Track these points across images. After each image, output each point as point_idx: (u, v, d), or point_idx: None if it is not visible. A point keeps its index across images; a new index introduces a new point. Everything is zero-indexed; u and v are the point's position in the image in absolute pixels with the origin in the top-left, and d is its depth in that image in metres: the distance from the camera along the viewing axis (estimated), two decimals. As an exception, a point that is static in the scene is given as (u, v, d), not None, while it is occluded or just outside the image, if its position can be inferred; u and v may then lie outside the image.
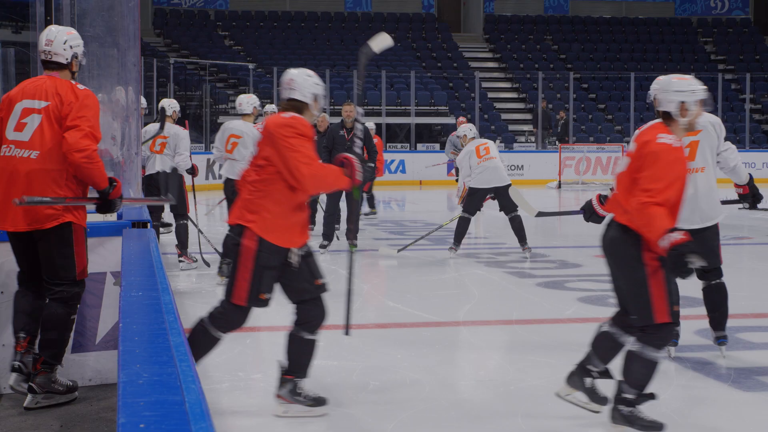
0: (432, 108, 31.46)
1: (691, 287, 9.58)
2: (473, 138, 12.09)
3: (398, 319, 8.46)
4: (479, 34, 39.73)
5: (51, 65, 5.63)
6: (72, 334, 5.62)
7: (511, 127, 32.80)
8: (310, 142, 5.22)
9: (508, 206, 11.59)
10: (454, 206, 14.41)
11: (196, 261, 10.77)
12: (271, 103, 21.03)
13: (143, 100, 12.10)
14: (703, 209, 6.34)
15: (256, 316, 8.41)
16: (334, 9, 39.15)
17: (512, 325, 8.10)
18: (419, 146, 29.82)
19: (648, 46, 38.94)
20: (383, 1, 39.74)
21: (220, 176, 13.18)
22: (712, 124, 6.39)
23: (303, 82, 5.42)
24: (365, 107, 30.30)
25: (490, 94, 34.58)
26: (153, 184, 10.50)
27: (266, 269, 5.22)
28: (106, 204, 5.48)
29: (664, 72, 29.11)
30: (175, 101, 11.24)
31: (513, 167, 28.21)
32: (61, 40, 5.62)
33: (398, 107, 30.57)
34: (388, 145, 28.55)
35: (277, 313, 8.55)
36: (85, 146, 5.25)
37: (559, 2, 41.29)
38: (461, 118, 20.55)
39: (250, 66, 30.15)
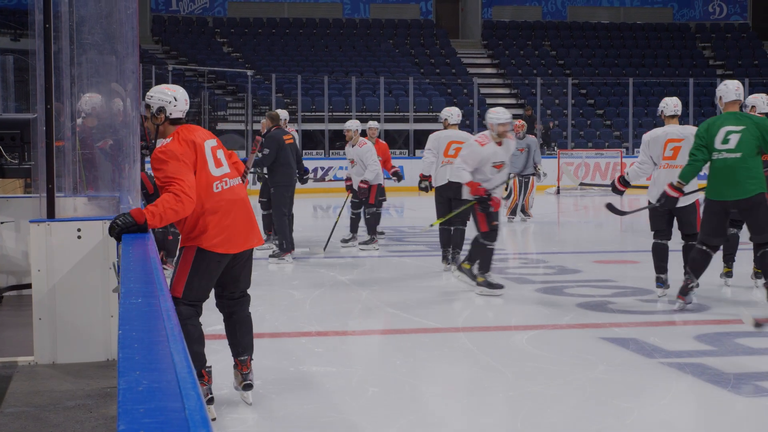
0: (430, 114, 31.45)
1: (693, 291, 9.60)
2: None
3: (397, 326, 8.46)
4: (477, 40, 39.75)
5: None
6: None
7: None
8: None
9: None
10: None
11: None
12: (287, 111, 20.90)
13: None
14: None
15: (256, 323, 8.43)
16: (332, 15, 39.16)
17: (511, 331, 8.10)
18: (418, 152, 29.80)
19: (646, 51, 38.97)
20: (381, 7, 39.77)
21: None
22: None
23: None
24: (364, 113, 30.36)
25: (489, 100, 34.57)
26: None
27: None
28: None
29: (662, 77, 29.09)
30: None
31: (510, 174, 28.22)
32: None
33: (396, 113, 30.59)
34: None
35: (276, 319, 8.57)
36: None
37: (557, 8, 41.32)
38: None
39: (249, 73, 30.17)
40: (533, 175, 16.86)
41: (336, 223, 13.53)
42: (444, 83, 34.47)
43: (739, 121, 8.51)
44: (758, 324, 7.25)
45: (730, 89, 8.74)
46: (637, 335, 7.63)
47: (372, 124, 14.44)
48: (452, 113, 11.66)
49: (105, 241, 7.08)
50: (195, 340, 5.61)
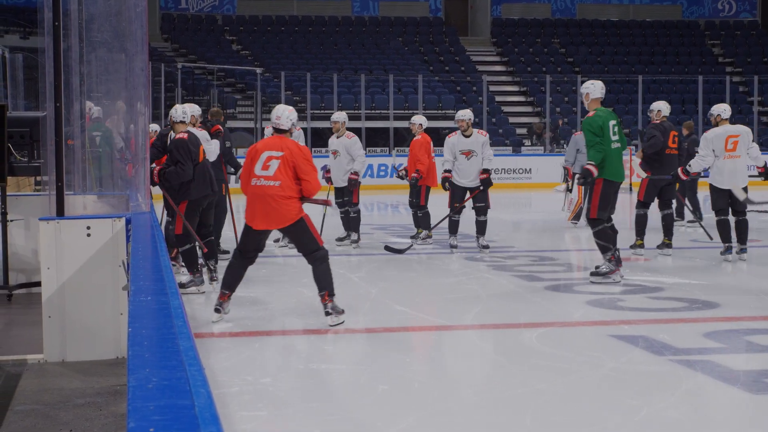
0: (440, 111, 31.46)
1: (696, 291, 9.61)
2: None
3: (406, 323, 8.46)
4: (487, 38, 39.73)
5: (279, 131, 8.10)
6: None
7: (519, 131, 32.78)
8: None
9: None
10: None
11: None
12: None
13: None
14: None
15: (266, 320, 8.44)
16: (342, 13, 39.16)
17: (520, 328, 8.09)
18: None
19: (656, 48, 38.90)
20: (390, 5, 39.75)
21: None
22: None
23: None
24: (373, 111, 30.35)
25: (498, 98, 34.56)
26: None
27: None
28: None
29: (671, 75, 29.08)
30: (195, 106, 11.23)
31: (521, 171, 28.23)
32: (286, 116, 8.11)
33: (406, 111, 30.56)
34: (396, 149, 28.54)
35: (285, 317, 8.58)
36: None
37: (566, 5, 41.28)
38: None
39: (258, 70, 30.18)
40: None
41: (324, 215, 13.49)
42: (453, 81, 34.46)
43: None
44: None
45: (596, 87, 10.31)
46: (647, 333, 7.62)
47: (416, 119, 14.30)
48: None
49: (114, 238, 7.10)
50: (233, 270, 8.16)
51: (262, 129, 27.44)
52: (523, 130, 32.98)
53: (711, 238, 13.30)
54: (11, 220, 9.39)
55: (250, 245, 8.09)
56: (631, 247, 12.16)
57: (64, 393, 6.13)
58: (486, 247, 12.80)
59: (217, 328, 7.95)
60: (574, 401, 5.80)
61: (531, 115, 34.42)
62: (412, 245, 12.51)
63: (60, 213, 7.22)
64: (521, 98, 35.59)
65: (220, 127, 12.02)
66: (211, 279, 9.87)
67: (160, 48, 34.20)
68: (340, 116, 13.15)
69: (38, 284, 7.61)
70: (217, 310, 8.11)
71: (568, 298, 9.40)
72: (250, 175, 7.91)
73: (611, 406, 5.70)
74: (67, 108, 7.47)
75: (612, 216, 10.27)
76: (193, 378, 2.44)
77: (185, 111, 9.90)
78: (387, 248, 12.15)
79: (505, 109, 34.19)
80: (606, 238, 10.10)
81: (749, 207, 11.28)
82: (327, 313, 7.96)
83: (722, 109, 11.88)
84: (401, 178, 14.42)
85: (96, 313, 7.09)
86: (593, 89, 10.29)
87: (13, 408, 5.76)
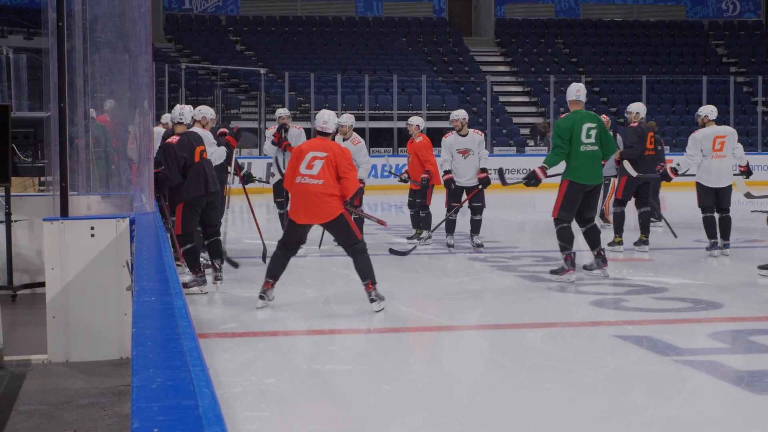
0: (444, 112, 31.42)
1: (700, 291, 9.60)
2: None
3: (410, 323, 8.46)
4: (490, 38, 39.72)
5: (322, 134, 8.83)
6: None
7: (523, 131, 32.78)
8: None
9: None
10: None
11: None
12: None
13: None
14: None
15: (269, 320, 8.45)
16: (345, 13, 39.16)
17: (523, 328, 8.09)
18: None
19: (659, 49, 38.88)
20: (394, 5, 39.75)
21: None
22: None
23: None
24: (377, 111, 30.34)
25: (502, 98, 34.56)
26: None
27: None
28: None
29: (675, 75, 29.01)
30: (210, 109, 11.33)
31: (524, 171, 28.19)
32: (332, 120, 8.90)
33: (410, 111, 30.54)
34: (399, 149, 28.54)
35: (289, 317, 8.58)
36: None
37: (570, 5, 41.27)
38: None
39: (262, 71, 30.20)
40: (615, 177, 15.20)
41: None
42: (457, 81, 34.45)
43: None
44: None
45: (571, 90, 10.56)
46: (651, 333, 7.62)
47: (414, 120, 14.23)
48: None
49: (118, 239, 7.10)
50: (277, 261, 8.91)
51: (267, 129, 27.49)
52: (527, 130, 32.98)
53: (676, 236, 13.69)
54: (15, 221, 9.39)
55: (293, 238, 8.85)
56: (609, 244, 12.45)
57: (68, 393, 6.13)
58: (480, 245, 13.00)
59: (222, 329, 7.95)
60: (578, 402, 5.80)
61: (535, 116, 34.41)
62: (416, 246, 12.52)
63: (64, 213, 7.22)
64: (525, 98, 35.59)
65: (226, 130, 12.07)
66: (216, 278, 9.87)
67: (164, 48, 34.22)
68: (348, 120, 13.09)
69: (42, 284, 7.61)
70: (261, 297, 8.80)
71: (572, 298, 9.40)
72: (294, 174, 8.62)
73: (615, 407, 5.70)
74: (71, 108, 7.47)
75: (593, 217, 10.61)
76: (197, 378, 2.45)
77: (183, 112, 9.92)
78: (391, 251, 12.16)
79: (509, 109, 34.18)
80: (565, 238, 10.31)
81: (753, 205, 11.51)
82: (371, 300, 8.60)
83: (709, 111, 12.34)
84: (404, 181, 14.39)
85: (100, 314, 7.09)
86: (568, 92, 10.55)
87: (18, 408, 5.76)
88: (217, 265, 9.96)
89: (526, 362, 6.76)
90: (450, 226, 13.16)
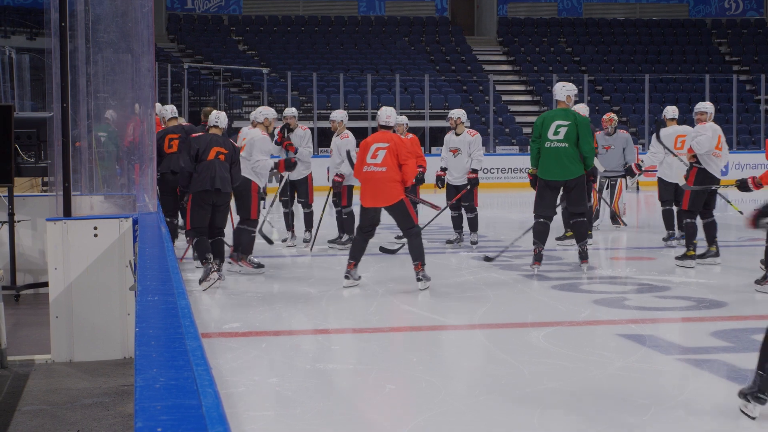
0: (446, 111, 31.33)
1: (703, 290, 9.59)
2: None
3: (413, 323, 8.46)
4: (493, 37, 39.71)
5: (384, 128, 10.00)
6: None
7: (525, 130, 32.77)
8: None
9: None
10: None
11: (263, 266, 10.97)
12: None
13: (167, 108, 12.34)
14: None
15: (272, 320, 8.45)
16: (348, 13, 39.16)
17: (527, 327, 8.09)
18: (433, 149, 29.80)
19: (662, 47, 38.85)
20: (397, 4, 39.76)
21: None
22: None
23: None
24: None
25: (504, 97, 34.55)
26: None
27: None
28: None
29: (678, 74, 28.90)
30: (270, 109, 11.54)
31: (526, 170, 28.17)
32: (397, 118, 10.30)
33: (412, 111, 30.55)
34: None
35: (292, 317, 8.58)
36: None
37: (572, 4, 41.25)
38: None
39: (264, 71, 30.20)
40: (622, 176, 15.11)
41: (321, 219, 13.52)
42: (459, 80, 34.44)
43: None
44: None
45: (555, 89, 11.04)
46: (654, 332, 7.61)
47: (401, 119, 14.23)
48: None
49: (121, 239, 7.10)
50: (357, 244, 9.93)
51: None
52: (529, 129, 32.90)
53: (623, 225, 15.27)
54: (18, 221, 9.40)
55: (367, 222, 9.90)
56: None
57: (71, 393, 6.13)
58: (474, 242, 13.31)
59: (226, 329, 7.95)
60: (582, 400, 5.80)
61: (537, 114, 34.34)
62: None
63: (67, 213, 7.23)
64: (528, 97, 35.57)
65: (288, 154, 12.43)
66: (217, 267, 10.03)
67: (167, 48, 34.22)
68: (337, 116, 13.18)
69: (45, 284, 7.62)
70: (346, 277, 9.85)
71: (576, 297, 9.39)
72: (362, 164, 9.84)
73: (619, 405, 5.69)
74: (74, 109, 7.47)
75: (581, 212, 10.86)
76: (200, 378, 2.44)
77: (219, 116, 10.34)
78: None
79: (512, 108, 34.17)
80: (536, 233, 10.82)
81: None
82: (419, 279, 9.73)
83: (670, 111, 13.62)
84: None
85: (103, 314, 7.10)
86: (554, 90, 11.10)
87: (21, 408, 5.76)
88: (216, 265, 10.04)
89: (530, 361, 6.75)
90: (453, 222, 13.51)
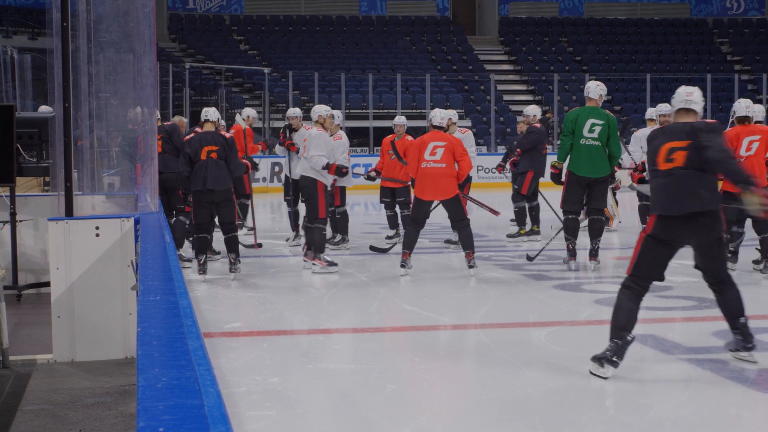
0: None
1: (705, 289, 9.58)
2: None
3: (414, 323, 8.46)
4: (494, 37, 39.71)
5: (437, 128, 10.78)
6: None
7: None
8: None
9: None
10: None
11: (336, 264, 11.01)
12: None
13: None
14: None
15: (274, 320, 8.45)
16: (349, 12, 39.17)
17: (529, 327, 8.09)
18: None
19: (663, 47, 38.83)
20: (398, 4, 39.75)
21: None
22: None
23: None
24: (381, 110, 30.32)
25: (506, 97, 34.54)
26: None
27: None
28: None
29: (680, 73, 28.91)
30: (324, 107, 11.59)
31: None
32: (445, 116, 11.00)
33: (414, 110, 30.53)
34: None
35: (294, 317, 8.58)
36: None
37: (574, 4, 41.24)
38: None
39: (266, 70, 30.19)
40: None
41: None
42: (461, 80, 34.43)
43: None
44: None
45: (589, 87, 11.38)
46: (656, 332, 7.61)
47: (400, 119, 14.16)
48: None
49: (123, 238, 7.11)
50: (409, 234, 10.75)
51: (271, 129, 27.51)
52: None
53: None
54: (20, 221, 9.40)
55: (420, 214, 10.76)
56: (508, 236, 14.03)
57: (73, 393, 6.14)
58: (450, 241, 13.39)
59: (226, 329, 7.95)
60: (584, 400, 5.80)
61: (542, 122, 34.31)
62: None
63: (69, 213, 7.23)
64: (529, 97, 35.53)
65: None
66: (230, 270, 10.38)
67: (168, 48, 34.22)
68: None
69: (47, 284, 7.62)
70: (402, 266, 10.63)
71: (577, 296, 9.39)
72: (420, 160, 10.58)
73: (621, 405, 5.69)
74: (76, 108, 7.48)
75: (600, 209, 11.12)
76: (202, 377, 2.45)
77: (208, 111, 10.52)
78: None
79: (513, 108, 34.13)
80: (568, 229, 11.07)
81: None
82: (470, 266, 10.64)
83: (651, 112, 13.94)
84: (372, 179, 13.89)
85: (105, 313, 7.10)
86: (586, 89, 11.40)
87: (23, 408, 5.77)
88: (232, 259, 10.37)
89: (531, 361, 6.75)
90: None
